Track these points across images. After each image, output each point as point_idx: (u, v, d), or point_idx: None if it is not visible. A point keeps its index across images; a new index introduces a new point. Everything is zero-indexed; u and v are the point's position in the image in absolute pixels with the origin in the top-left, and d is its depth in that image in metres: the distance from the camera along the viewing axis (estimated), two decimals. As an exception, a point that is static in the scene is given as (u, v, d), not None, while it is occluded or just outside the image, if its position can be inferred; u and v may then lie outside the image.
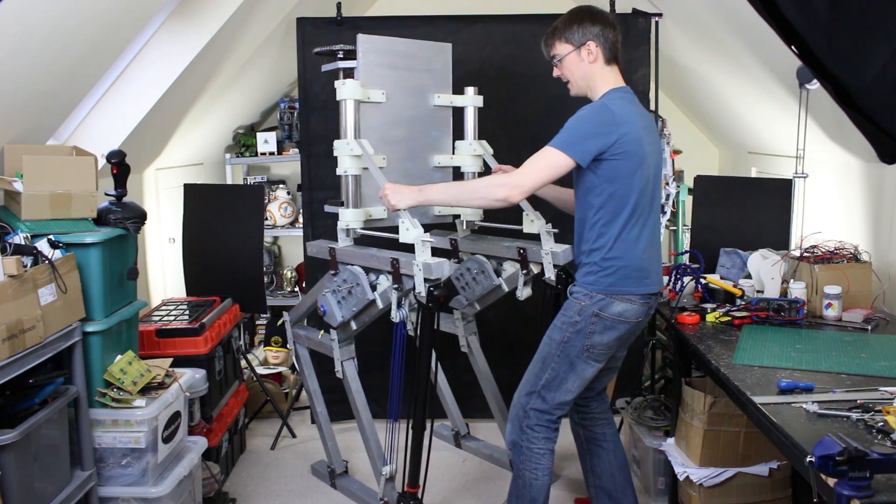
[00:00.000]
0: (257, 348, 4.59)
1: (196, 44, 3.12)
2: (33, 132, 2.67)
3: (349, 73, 2.75)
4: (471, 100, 3.03)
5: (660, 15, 3.81)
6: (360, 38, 2.71)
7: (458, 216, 3.09)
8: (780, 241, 3.32)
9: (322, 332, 3.06)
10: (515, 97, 3.65)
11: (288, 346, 4.39)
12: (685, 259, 3.16)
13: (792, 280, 2.84)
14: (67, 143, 2.98)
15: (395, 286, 2.55)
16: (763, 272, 2.91)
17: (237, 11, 3.13)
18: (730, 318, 2.71)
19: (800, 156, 3.16)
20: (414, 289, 2.49)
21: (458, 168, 3.06)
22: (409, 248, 2.51)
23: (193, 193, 3.89)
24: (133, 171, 2.76)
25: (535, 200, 2.80)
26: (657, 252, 2.49)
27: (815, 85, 2.89)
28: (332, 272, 2.76)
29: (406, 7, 4.36)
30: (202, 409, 3.07)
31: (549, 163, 2.30)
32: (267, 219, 4.59)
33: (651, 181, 2.41)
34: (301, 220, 4.29)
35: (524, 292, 2.88)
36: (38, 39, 2.21)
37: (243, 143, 4.73)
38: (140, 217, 2.67)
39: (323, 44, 3.63)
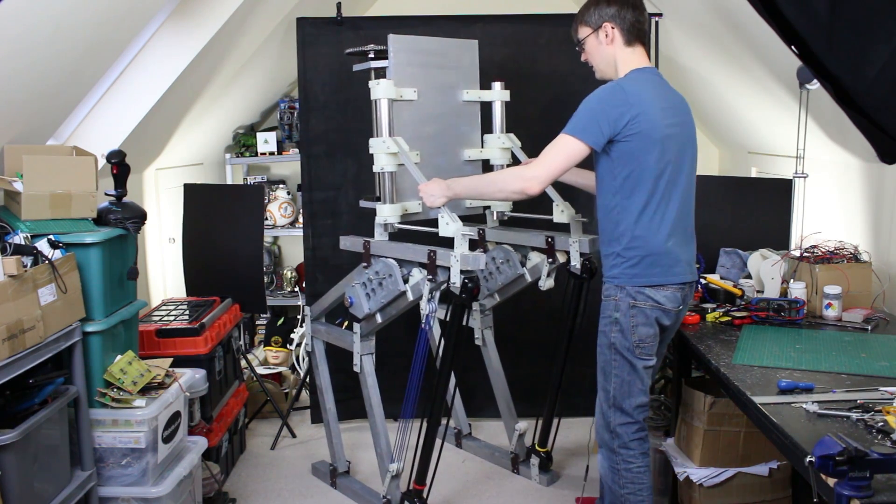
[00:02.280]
0: (257, 348, 4.59)
1: (196, 44, 3.12)
2: (33, 132, 2.67)
3: (380, 73, 2.78)
4: (498, 94, 3.09)
5: (660, 15, 3.81)
6: (392, 38, 2.74)
7: (488, 207, 3.12)
8: (780, 241, 3.31)
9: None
10: (516, 97, 3.65)
11: (289, 346, 4.39)
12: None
13: (792, 280, 2.84)
14: (67, 143, 2.98)
15: (430, 277, 2.57)
16: (763, 272, 2.91)
17: (237, 11, 3.13)
18: (730, 318, 2.71)
19: (800, 156, 3.15)
20: (449, 280, 2.52)
21: (488, 161, 3.10)
22: (440, 244, 2.57)
23: (193, 193, 3.89)
24: (133, 171, 2.76)
25: (566, 189, 2.80)
26: (687, 238, 2.40)
27: (815, 85, 2.89)
28: (364, 265, 2.79)
29: (406, 7, 4.36)
30: (202, 409, 3.07)
31: (562, 150, 2.27)
32: (267, 219, 4.59)
33: (674, 163, 2.32)
34: (301, 220, 4.29)
35: (547, 283, 2.91)
36: (38, 39, 2.21)
37: (243, 143, 4.72)
38: (140, 217, 2.67)
39: (323, 44, 3.65)
